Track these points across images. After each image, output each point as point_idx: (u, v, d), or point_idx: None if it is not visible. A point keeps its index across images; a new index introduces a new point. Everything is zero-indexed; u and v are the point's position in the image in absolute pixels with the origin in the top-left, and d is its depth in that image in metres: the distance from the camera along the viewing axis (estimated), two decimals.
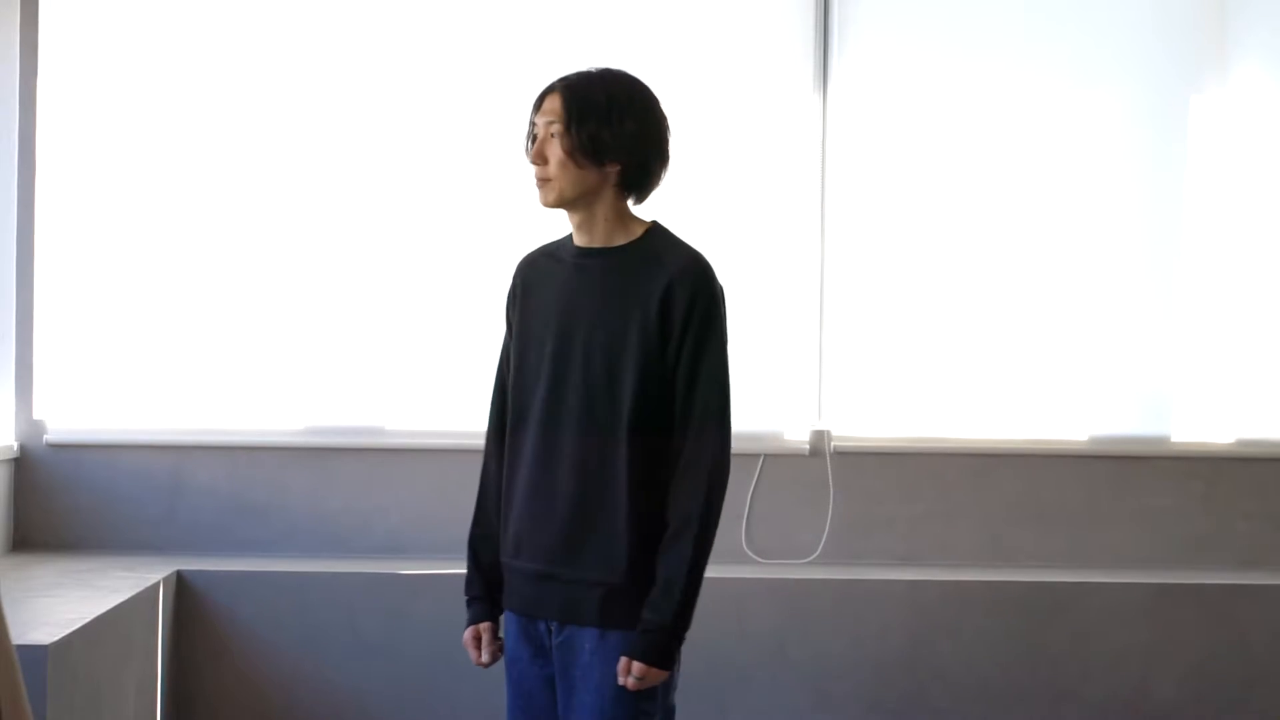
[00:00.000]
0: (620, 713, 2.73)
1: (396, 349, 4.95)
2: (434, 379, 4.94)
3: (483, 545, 2.94)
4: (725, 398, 2.79)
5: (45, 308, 4.88)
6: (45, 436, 4.88)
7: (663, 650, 2.71)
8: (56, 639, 3.41)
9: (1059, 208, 5.07)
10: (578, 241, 2.84)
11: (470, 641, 2.92)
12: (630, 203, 2.82)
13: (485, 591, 2.92)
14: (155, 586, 4.33)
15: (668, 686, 2.78)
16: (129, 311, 4.91)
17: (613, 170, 2.75)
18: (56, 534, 4.86)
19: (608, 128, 2.73)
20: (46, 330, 4.89)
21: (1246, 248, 5.12)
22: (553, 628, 2.80)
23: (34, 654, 3.26)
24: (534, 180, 2.81)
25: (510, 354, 2.94)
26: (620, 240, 2.80)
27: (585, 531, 2.75)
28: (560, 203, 2.80)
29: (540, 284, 2.87)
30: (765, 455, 4.96)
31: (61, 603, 3.87)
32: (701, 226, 4.89)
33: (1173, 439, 5.10)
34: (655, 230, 2.83)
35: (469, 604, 2.95)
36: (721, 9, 5.00)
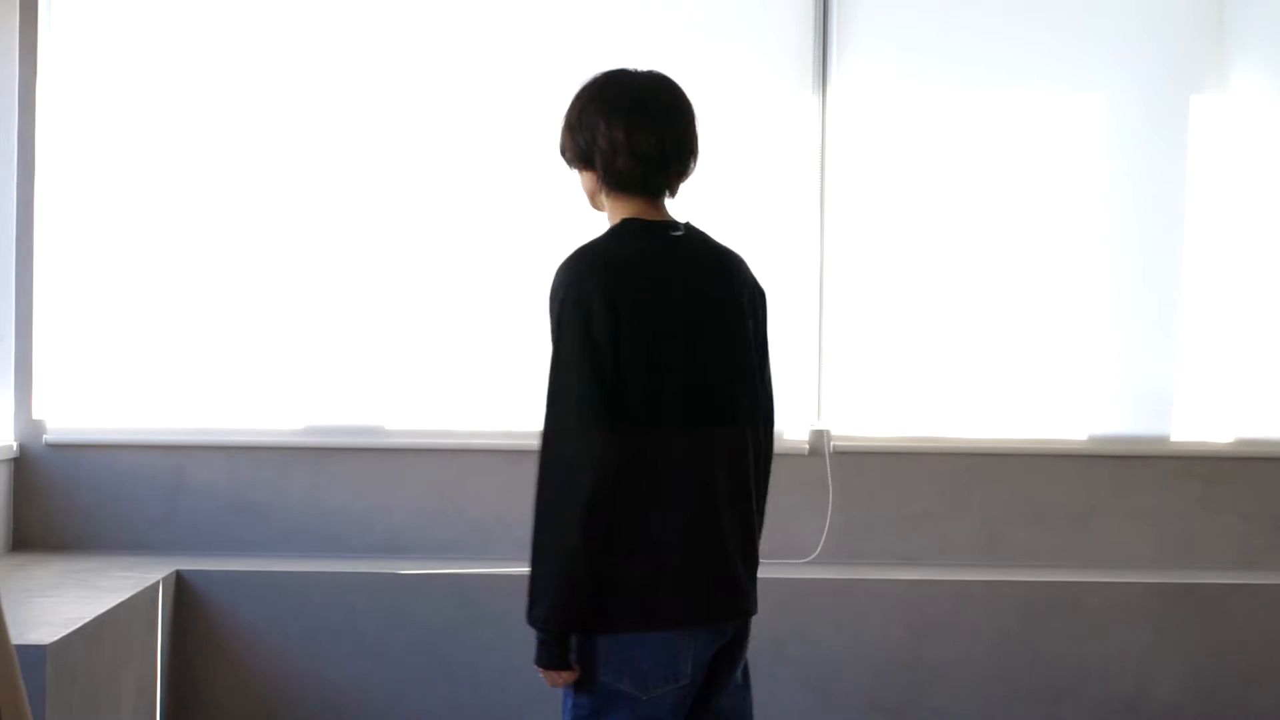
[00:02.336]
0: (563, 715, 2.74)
1: (396, 349, 4.95)
2: (434, 379, 4.94)
3: None
4: (553, 388, 2.63)
5: (44, 308, 4.88)
6: (45, 436, 4.88)
7: (537, 648, 2.65)
8: (56, 639, 3.41)
9: (1058, 208, 5.07)
10: None
11: None
12: (615, 199, 2.77)
13: None
14: (155, 586, 4.33)
15: (581, 684, 2.66)
16: (128, 311, 4.91)
17: (595, 173, 2.77)
18: (56, 534, 4.86)
19: (567, 132, 2.78)
20: (46, 330, 4.89)
21: (1245, 249, 5.12)
22: None
23: (34, 654, 3.27)
24: None
25: None
26: None
27: None
28: (592, 205, 2.85)
29: None
30: None
31: (61, 603, 3.87)
32: (700, 226, 4.91)
33: (1171, 439, 5.10)
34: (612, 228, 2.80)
35: None
36: (721, 10, 5.01)
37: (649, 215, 2.76)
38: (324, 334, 4.94)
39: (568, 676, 2.65)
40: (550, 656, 2.64)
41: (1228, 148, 5.10)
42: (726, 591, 2.71)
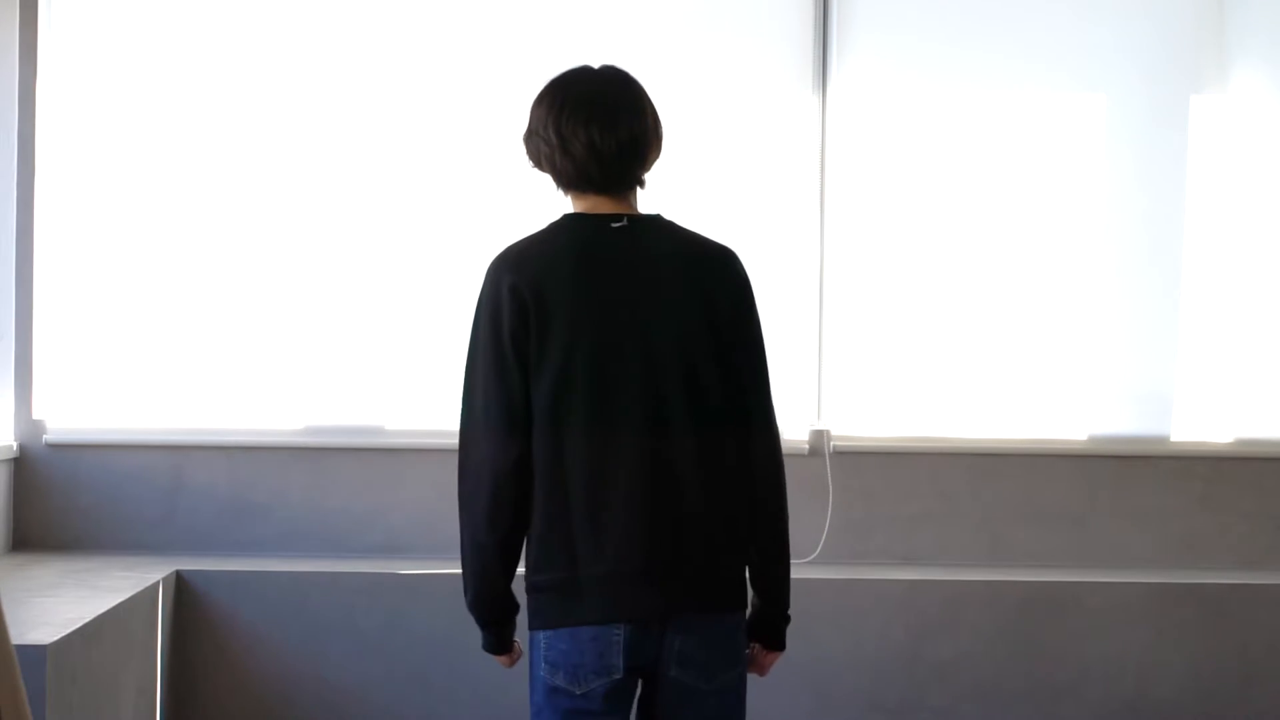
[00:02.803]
0: None
1: (396, 349, 4.95)
2: (434, 379, 4.94)
3: None
4: (464, 385, 2.79)
5: (44, 308, 4.88)
6: (45, 436, 4.88)
7: None
8: (56, 639, 3.41)
9: (1058, 208, 5.07)
10: None
11: None
12: (574, 198, 2.80)
13: None
14: (155, 586, 4.33)
15: (531, 678, 2.76)
16: (128, 311, 4.91)
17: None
18: (56, 534, 4.86)
19: (524, 139, 2.84)
20: (46, 330, 4.89)
21: (1245, 248, 5.12)
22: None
23: (34, 654, 3.26)
24: None
25: None
26: None
27: None
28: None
29: None
30: None
31: (61, 603, 3.87)
32: (700, 227, 4.91)
33: (1172, 439, 5.10)
34: None
35: None
36: (721, 9, 5.01)
37: (603, 209, 2.74)
38: (324, 334, 4.94)
39: (505, 660, 2.87)
40: (485, 642, 2.85)
41: (1228, 147, 5.10)
42: (649, 588, 2.65)
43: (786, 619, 2.88)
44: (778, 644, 2.88)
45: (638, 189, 2.80)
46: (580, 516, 2.64)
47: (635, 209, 2.78)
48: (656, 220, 2.77)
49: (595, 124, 2.70)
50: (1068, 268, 5.08)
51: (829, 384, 5.02)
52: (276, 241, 4.94)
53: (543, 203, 4.86)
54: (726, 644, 2.73)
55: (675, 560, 2.66)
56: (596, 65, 2.81)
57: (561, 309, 2.66)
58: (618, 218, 2.74)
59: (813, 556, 4.94)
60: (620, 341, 2.66)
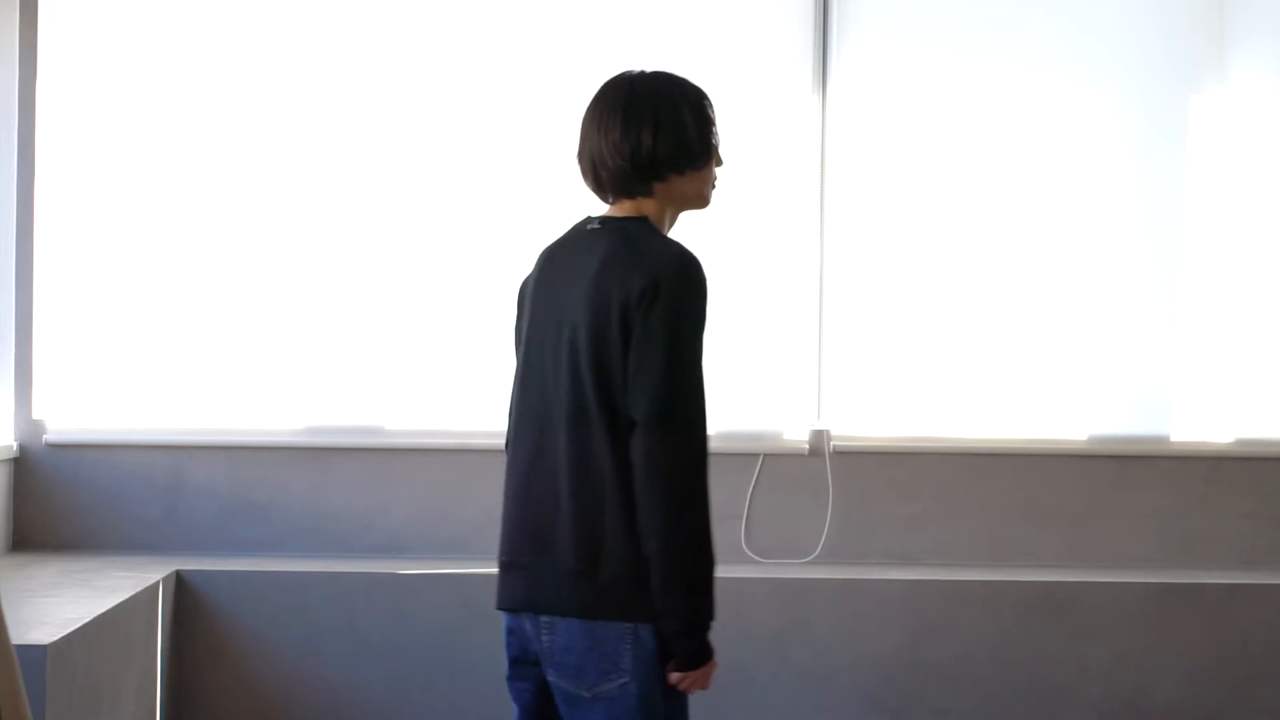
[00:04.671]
0: None
1: (396, 349, 4.95)
2: (434, 379, 4.94)
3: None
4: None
5: (44, 308, 4.88)
6: (45, 436, 4.88)
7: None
8: (56, 639, 3.41)
9: (1058, 207, 5.07)
10: None
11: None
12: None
13: None
14: (154, 586, 4.33)
15: None
16: (128, 311, 4.91)
17: None
18: (56, 534, 4.86)
19: None
20: (46, 330, 4.89)
21: (1245, 248, 5.12)
22: None
23: (34, 654, 3.26)
24: (714, 184, 2.88)
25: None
26: None
27: None
28: None
29: None
30: (765, 455, 4.97)
31: (61, 603, 3.87)
32: (700, 227, 4.90)
33: (1172, 438, 5.10)
34: None
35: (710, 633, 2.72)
36: (721, 9, 5.01)
37: (601, 212, 2.82)
38: (324, 334, 4.94)
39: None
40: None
41: (1228, 145, 5.10)
42: (516, 579, 2.76)
43: (685, 637, 2.65)
44: (681, 661, 2.67)
45: (645, 195, 2.76)
46: (505, 504, 2.80)
47: (637, 212, 2.76)
48: (626, 225, 2.74)
49: (582, 138, 2.81)
50: (1067, 267, 5.08)
51: (829, 384, 5.02)
52: (276, 242, 4.94)
53: (542, 204, 4.87)
54: (605, 651, 2.65)
55: (544, 557, 2.69)
56: (633, 70, 2.82)
57: (525, 304, 2.84)
58: (590, 220, 2.79)
59: (813, 556, 4.94)
60: (542, 339, 2.75)
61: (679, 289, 2.64)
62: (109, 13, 4.90)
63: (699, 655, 2.67)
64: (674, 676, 2.67)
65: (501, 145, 4.94)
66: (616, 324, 2.64)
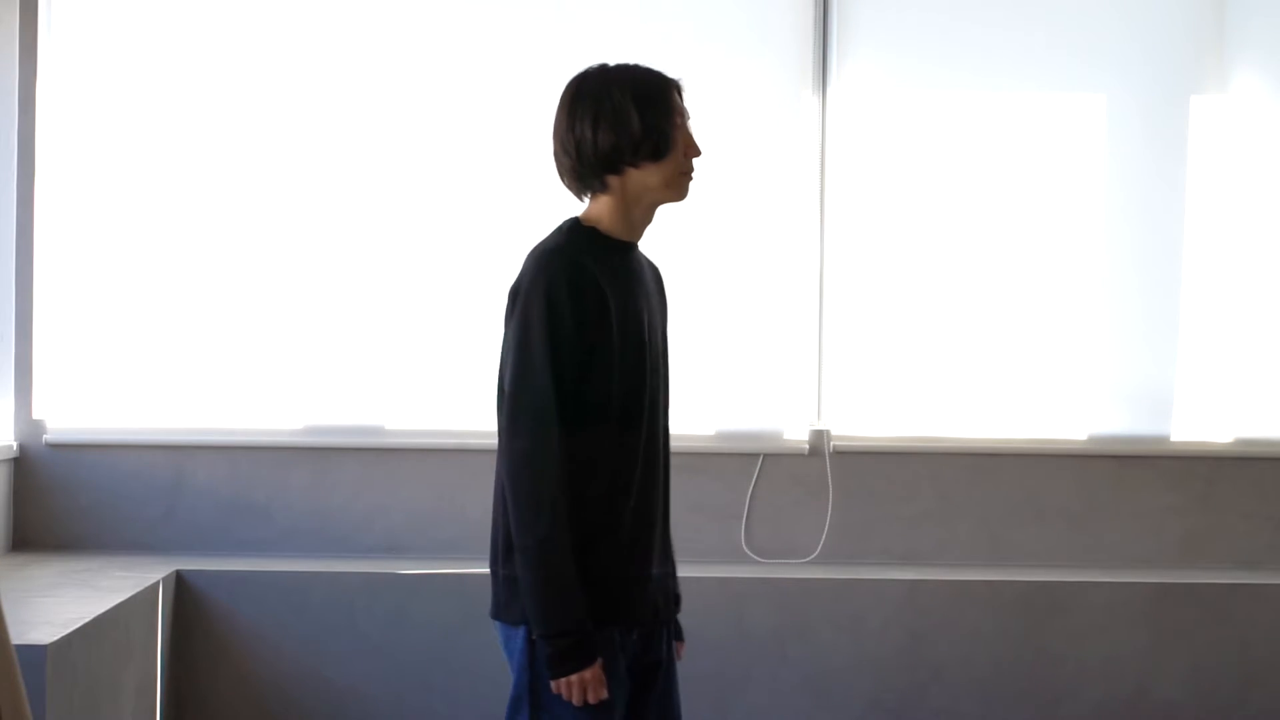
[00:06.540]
0: None
1: (396, 349, 4.95)
2: (434, 379, 4.94)
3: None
4: None
5: (45, 308, 4.88)
6: (45, 436, 4.88)
7: None
8: (56, 639, 3.41)
9: (1058, 208, 5.07)
10: (631, 238, 2.79)
11: (600, 679, 2.64)
12: None
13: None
14: (155, 586, 4.33)
15: None
16: (128, 311, 4.91)
17: None
18: (56, 534, 4.86)
19: None
20: (46, 330, 4.89)
21: (1245, 249, 5.12)
22: (660, 633, 2.82)
23: (34, 654, 3.27)
24: (687, 174, 2.76)
25: (604, 355, 2.67)
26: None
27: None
28: None
29: (620, 285, 2.71)
30: (764, 455, 4.96)
31: (61, 603, 3.88)
32: (701, 227, 4.91)
33: (1172, 438, 5.10)
34: None
35: (588, 633, 2.62)
36: (721, 9, 5.01)
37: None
38: (324, 334, 4.94)
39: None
40: None
41: (1227, 149, 5.10)
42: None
43: (544, 642, 2.63)
44: (549, 669, 2.64)
45: (600, 191, 2.75)
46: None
47: (596, 210, 2.77)
48: (560, 225, 2.78)
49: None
50: (1067, 268, 5.08)
51: (829, 384, 5.02)
52: (276, 242, 4.94)
53: (542, 204, 4.86)
54: (505, 651, 2.76)
55: (494, 568, 2.80)
56: (596, 65, 2.82)
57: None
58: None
59: (813, 556, 4.94)
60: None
61: (526, 291, 2.66)
62: (109, 13, 4.90)
63: (554, 661, 2.62)
64: (552, 684, 2.64)
65: (501, 146, 4.93)
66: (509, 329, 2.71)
